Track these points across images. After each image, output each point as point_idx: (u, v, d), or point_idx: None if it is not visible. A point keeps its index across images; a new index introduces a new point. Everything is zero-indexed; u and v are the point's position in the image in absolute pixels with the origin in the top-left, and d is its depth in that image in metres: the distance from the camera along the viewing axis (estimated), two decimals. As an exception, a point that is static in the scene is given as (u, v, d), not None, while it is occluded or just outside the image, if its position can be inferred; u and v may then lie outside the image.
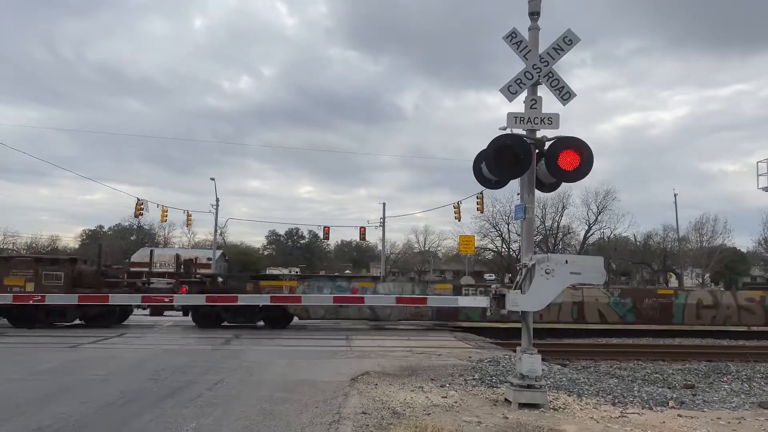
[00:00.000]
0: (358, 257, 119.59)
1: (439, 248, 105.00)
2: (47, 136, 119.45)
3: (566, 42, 7.54)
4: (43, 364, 9.86)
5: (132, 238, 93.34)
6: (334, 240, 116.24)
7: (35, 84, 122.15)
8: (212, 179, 51.60)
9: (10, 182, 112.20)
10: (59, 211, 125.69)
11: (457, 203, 40.97)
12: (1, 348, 12.50)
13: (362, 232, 52.27)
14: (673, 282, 73.21)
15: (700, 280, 67.30)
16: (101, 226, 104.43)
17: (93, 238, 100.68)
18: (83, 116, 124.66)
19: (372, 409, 6.76)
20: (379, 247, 67.55)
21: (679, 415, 7.12)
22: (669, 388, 10.03)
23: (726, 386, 10.58)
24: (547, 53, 7.53)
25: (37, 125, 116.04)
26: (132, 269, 27.50)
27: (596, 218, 67.21)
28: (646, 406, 7.68)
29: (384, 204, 55.14)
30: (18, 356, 11.15)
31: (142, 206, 40.73)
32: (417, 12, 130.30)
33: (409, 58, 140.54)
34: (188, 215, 50.23)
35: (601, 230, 68.65)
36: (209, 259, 64.18)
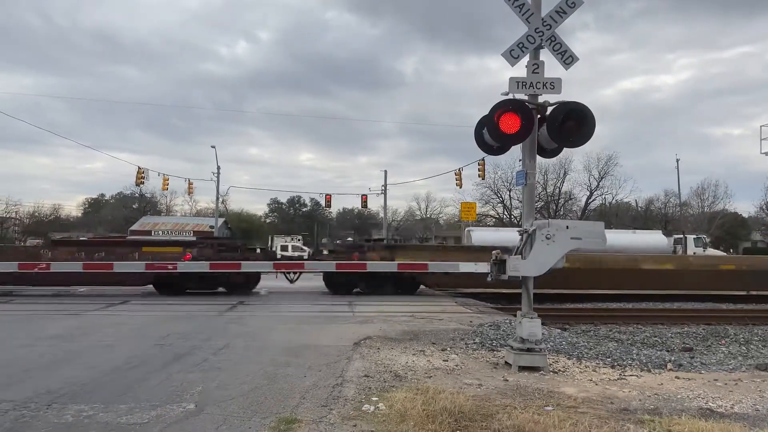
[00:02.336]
0: (360, 225, 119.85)
1: (440, 215, 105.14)
2: (44, 104, 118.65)
3: (569, 5, 7.44)
4: (49, 331, 10.00)
5: (134, 206, 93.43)
6: (335, 208, 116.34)
7: (30, 51, 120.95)
8: (213, 147, 51.47)
9: (9, 151, 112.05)
10: (60, 180, 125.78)
11: (459, 170, 40.92)
12: (8, 315, 12.65)
13: (364, 199, 52.36)
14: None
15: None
16: (103, 195, 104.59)
17: (95, 206, 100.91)
18: (80, 83, 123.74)
19: (374, 372, 6.88)
20: (381, 215, 67.72)
21: (676, 377, 7.24)
22: (667, 351, 10.18)
23: (724, 349, 10.75)
24: (550, 16, 7.43)
25: (33, 93, 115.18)
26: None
27: (598, 184, 67.16)
28: (645, 368, 7.81)
29: (385, 171, 55.09)
30: (25, 323, 11.29)
31: (143, 175, 40.71)
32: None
33: (409, 21, 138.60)
34: (189, 183, 50.28)
35: (603, 196, 68.71)
36: (211, 227, 64.37)
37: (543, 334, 8.14)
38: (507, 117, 7.12)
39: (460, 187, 43.26)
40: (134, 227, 75.56)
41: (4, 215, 80.00)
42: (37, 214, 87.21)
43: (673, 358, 8.54)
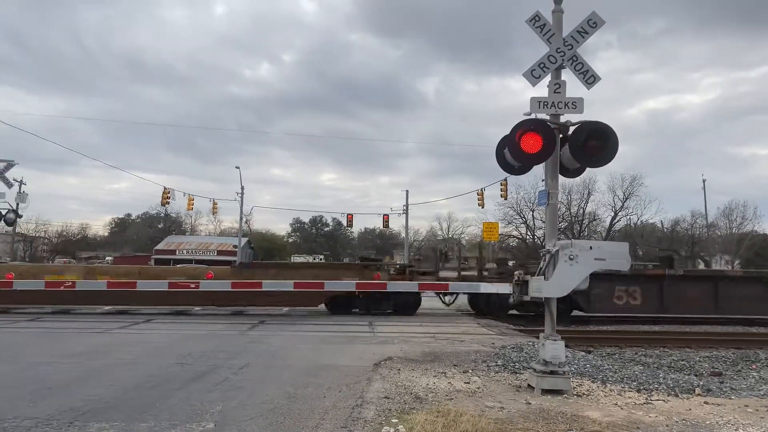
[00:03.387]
0: (381, 244, 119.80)
1: (462, 235, 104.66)
2: (74, 126, 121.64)
3: (591, 25, 7.42)
4: (73, 348, 10.11)
5: (159, 226, 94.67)
6: (357, 227, 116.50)
7: (60, 74, 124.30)
8: (237, 168, 52.12)
9: (40, 171, 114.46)
10: (88, 200, 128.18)
11: (481, 190, 40.75)
12: (33, 333, 12.83)
13: (385, 219, 52.40)
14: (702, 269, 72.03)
15: (730, 267, 66.08)
16: (129, 215, 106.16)
17: (121, 226, 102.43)
18: (108, 105, 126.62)
19: (395, 393, 6.81)
20: (403, 235, 67.64)
21: (705, 403, 7.04)
22: (696, 375, 9.92)
23: (755, 374, 10.42)
24: (571, 36, 7.42)
25: (63, 115, 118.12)
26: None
27: (622, 204, 66.28)
28: (672, 393, 7.61)
29: (407, 191, 55.11)
30: (49, 341, 11.44)
31: (169, 195, 41.26)
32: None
33: (430, 43, 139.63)
34: (214, 203, 50.82)
35: (628, 216, 67.76)
36: (235, 246, 64.88)
37: (566, 356, 8.00)
38: (528, 137, 7.09)
39: (482, 207, 42.95)
40: (159, 246, 76.48)
41: (34, 234, 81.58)
42: (65, 233, 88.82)
43: (701, 383, 8.31)
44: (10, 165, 25.65)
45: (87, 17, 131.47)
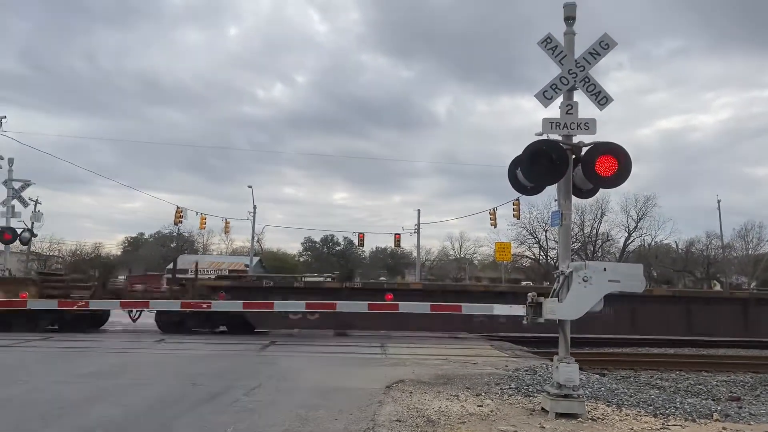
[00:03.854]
0: (393, 264, 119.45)
1: (475, 255, 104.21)
2: (88, 145, 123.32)
3: (603, 46, 7.44)
4: (85, 368, 10.13)
5: (172, 245, 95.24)
6: (368, 246, 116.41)
7: (76, 94, 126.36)
8: (250, 187, 52.57)
9: (54, 191, 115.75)
10: (101, 219, 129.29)
11: (493, 210, 40.71)
12: (45, 352, 12.88)
13: (397, 238, 52.36)
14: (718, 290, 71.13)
15: (746, 288, 65.19)
16: (142, 234, 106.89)
17: (134, 245, 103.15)
18: (122, 125, 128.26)
19: (407, 416, 6.74)
20: (414, 254, 67.49)
21: (723, 429, 6.91)
22: (713, 400, 9.74)
23: (774, 399, 10.23)
24: (583, 58, 7.44)
25: (78, 135, 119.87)
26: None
27: (636, 225, 65.83)
28: (689, 418, 7.46)
29: (419, 210, 55.11)
30: (61, 360, 11.46)
31: (182, 214, 41.61)
32: (448, 17, 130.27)
33: (441, 63, 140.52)
34: (226, 222, 51.11)
35: (642, 237, 67.23)
36: (247, 265, 65.04)
37: (581, 379, 7.89)
38: (541, 157, 7.08)
39: (495, 227, 42.85)
40: (170, 266, 76.70)
41: (48, 253, 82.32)
42: (78, 252, 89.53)
43: (719, 408, 8.15)
44: (26, 185, 26.01)
45: (103, 39, 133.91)
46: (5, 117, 29.04)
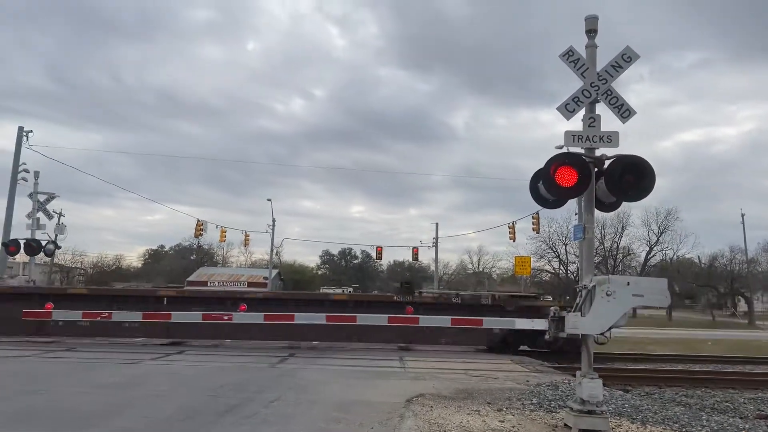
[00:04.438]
0: (410, 278, 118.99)
1: (493, 269, 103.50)
2: (110, 159, 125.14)
3: (625, 59, 7.41)
4: (105, 379, 10.20)
5: (192, 257, 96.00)
6: (386, 260, 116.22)
7: (98, 108, 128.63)
8: (269, 200, 52.99)
9: (77, 203, 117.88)
10: (123, 232, 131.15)
11: (512, 223, 40.49)
12: (66, 363, 13.00)
13: (415, 252, 52.29)
14: (743, 306, 69.89)
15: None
16: (162, 246, 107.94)
17: (155, 257, 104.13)
18: (143, 139, 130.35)
19: (427, 431, 6.68)
20: (432, 268, 67.23)
21: (752, 447, 6.74)
22: (740, 418, 9.54)
23: (804, 418, 9.97)
24: (605, 71, 7.41)
25: (101, 148, 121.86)
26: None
27: (657, 239, 65.09)
28: (716, 436, 7.31)
29: (437, 224, 55.09)
30: (82, 371, 11.56)
31: (202, 227, 41.96)
32: (466, 30, 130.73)
33: (459, 76, 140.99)
34: (246, 235, 51.47)
35: (663, 251, 66.39)
36: (265, 278, 65.32)
37: (604, 395, 7.77)
38: (563, 170, 7.03)
39: (514, 241, 42.58)
40: (191, 278, 77.42)
41: (71, 265, 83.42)
42: (100, 264, 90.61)
43: (747, 426, 7.98)
44: (51, 197, 26.46)
45: (125, 54, 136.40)
46: (31, 131, 29.68)
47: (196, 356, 14.80)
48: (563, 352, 16.28)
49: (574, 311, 7.23)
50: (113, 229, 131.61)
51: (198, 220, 41.63)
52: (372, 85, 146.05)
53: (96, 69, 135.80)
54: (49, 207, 26.40)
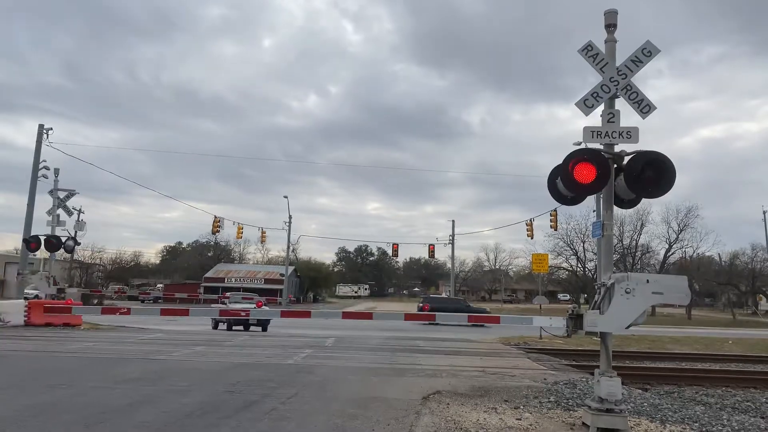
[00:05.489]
0: (427, 275, 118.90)
1: (510, 267, 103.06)
2: (128, 156, 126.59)
3: (645, 54, 7.31)
4: (125, 374, 10.32)
5: (209, 254, 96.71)
6: (402, 257, 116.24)
7: (116, 106, 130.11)
8: (285, 197, 53.31)
9: (96, 200, 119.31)
10: (140, 228, 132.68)
11: (530, 220, 40.26)
12: (86, 358, 13.17)
13: (431, 249, 52.16)
14: (764, 305, 68.89)
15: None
16: (180, 243, 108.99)
17: (173, 254, 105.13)
18: (160, 136, 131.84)
19: (444, 428, 6.67)
20: (448, 265, 67.02)
21: (775, 448, 6.64)
22: (762, 418, 9.41)
23: (827, 418, 9.81)
24: (625, 65, 7.32)
25: (119, 145, 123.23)
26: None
27: (677, 236, 64.33)
28: (738, 436, 7.21)
29: (453, 221, 54.98)
30: (103, 366, 11.71)
31: (219, 224, 42.22)
32: (482, 26, 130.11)
33: (475, 72, 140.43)
34: (263, 232, 51.77)
35: (683, 249, 65.62)
36: (282, 274, 65.61)
37: (623, 394, 7.70)
38: (581, 167, 6.96)
39: (532, 238, 42.33)
40: (209, 274, 78.00)
41: (90, 261, 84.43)
42: (118, 260, 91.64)
43: (769, 426, 7.86)
44: (71, 194, 26.80)
45: (142, 52, 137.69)
46: (51, 129, 30.08)
47: (214, 351, 14.91)
48: None
49: (592, 308, 7.17)
50: (131, 226, 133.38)
51: (215, 217, 41.91)
52: (387, 82, 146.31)
53: (113, 67, 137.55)
54: (69, 204, 26.76)
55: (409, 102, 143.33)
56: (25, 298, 25.19)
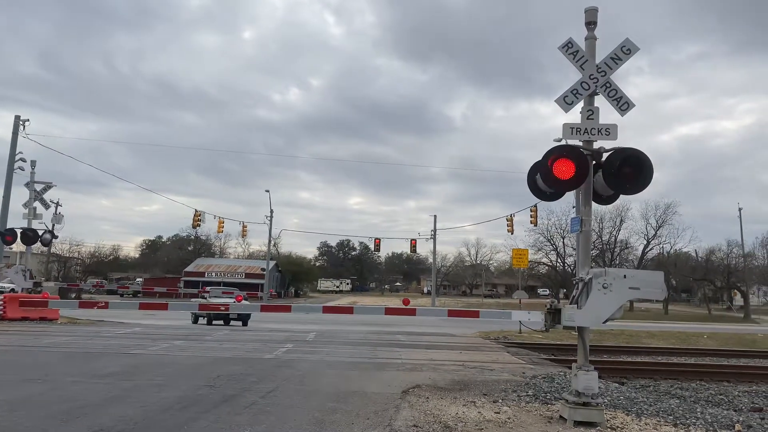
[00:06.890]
0: (409, 269, 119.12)
1: (491, 262, 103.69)
2: (107, 149, 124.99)
3: (624, 51, 7.39)
4: (104, 369, 10.22)
5: (189, 248, 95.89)
6: (384, 252, 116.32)
7: (95, 98, 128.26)
8: (267, 191, 53.02)
9: (74, 193, 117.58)
10: (120, 222, 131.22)
11: (510, 216, 40.57)
12: (64, 352, 13.02)
13: (413, 244, 52.31)
14: (738, 300, 70.15)
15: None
16: (160, 237, 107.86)
17: (152, 248, 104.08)
18: (140, 129, 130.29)
19: (423, 422, 6.71)
20: (430, 260, 67.32)
21: (746, 440, 6.78)
22: (735, 410, 9.59)
23: (798, 410, 10.04)
24: (605, 63, 7.39)
25: (97, 138, 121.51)
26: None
27: (655, 233, 65.25)
28: (711, 428, 7.35)
29: (435, 216, 55.16)
30: (81, 361, 11.59)
31: (200, 217, 41.88)
32: (465, 22, 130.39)
33: (458, 67, 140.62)
34: (244, 226, 51.43)
35: (661, 245, 66.58)
36: (263, 269, 65.33)
37: (600, 387, 7.81)
38: (561, 163, 7.03)
39: (512, 234, 42.79)
40: (189, 269, 77.43)
41: (68, 255, 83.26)
42: (97, 254, 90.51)
43: (741, 419, 8.02)
44: (48, 186, 26.39)
45: (121, 42, 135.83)
46: (28, 120, 29.56)
47: (194, 346, 14.83)
48: None
49: (570, 303, 7.26)
50: (110, 219, 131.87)
51: (196, 211, 41.56)
52: (369, 75, 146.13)
53: (91, 57, 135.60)
54: (46, 196, 26.36)
55: (391, 96, 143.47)
56: (1, 292, 24.83)
